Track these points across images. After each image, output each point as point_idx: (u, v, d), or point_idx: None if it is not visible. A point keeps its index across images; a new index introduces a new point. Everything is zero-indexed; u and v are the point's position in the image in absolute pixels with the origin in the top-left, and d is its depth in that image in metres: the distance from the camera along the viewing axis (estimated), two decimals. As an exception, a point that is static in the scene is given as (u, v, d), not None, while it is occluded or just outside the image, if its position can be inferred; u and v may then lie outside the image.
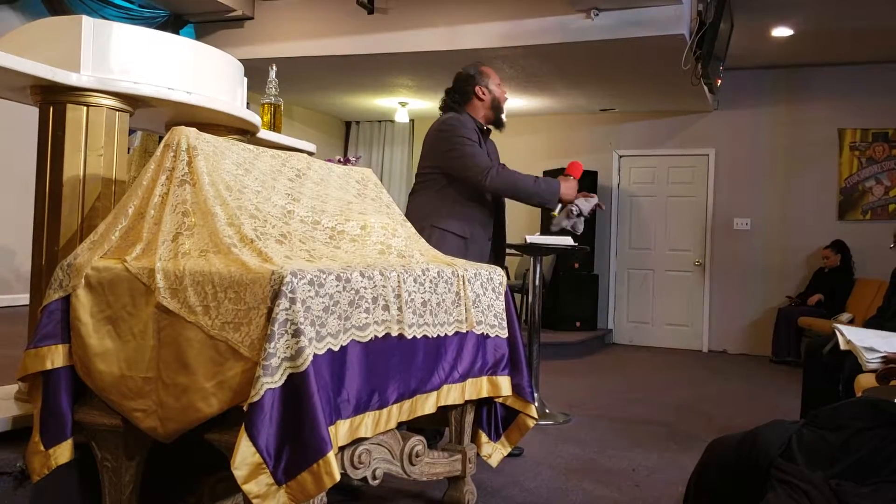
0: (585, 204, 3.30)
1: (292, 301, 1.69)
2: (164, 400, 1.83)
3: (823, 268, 7.28)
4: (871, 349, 3.10)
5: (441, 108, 3.44)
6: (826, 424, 1.31)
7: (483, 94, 3.34)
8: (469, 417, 2.57)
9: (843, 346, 3.12)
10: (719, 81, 6.44)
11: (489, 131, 3.45)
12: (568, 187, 3.26)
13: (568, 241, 4.46)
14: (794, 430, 1.31)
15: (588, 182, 8.15)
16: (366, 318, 1.93)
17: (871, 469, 1.22)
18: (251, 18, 6.59)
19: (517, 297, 7.22)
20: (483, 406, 2.62)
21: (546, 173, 8.30)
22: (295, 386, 1.66)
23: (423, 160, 3.37)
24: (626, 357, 7.31)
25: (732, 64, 6.85)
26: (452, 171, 3.22)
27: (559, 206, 3.27)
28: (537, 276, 4.45)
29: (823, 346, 3.57)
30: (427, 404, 2.20)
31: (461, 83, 3.39)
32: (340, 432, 1.82)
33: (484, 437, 2.62)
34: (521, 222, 8.44)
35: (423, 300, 2.18)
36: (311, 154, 3.06)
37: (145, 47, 2.31)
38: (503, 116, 3.42)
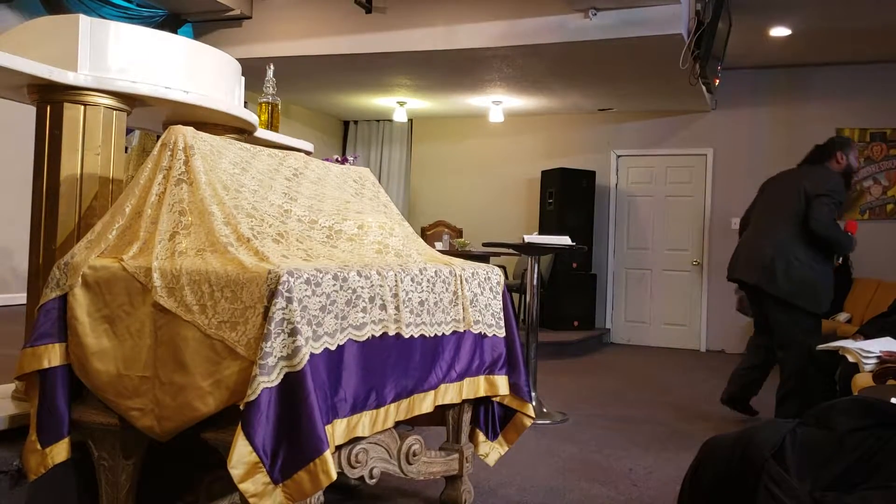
0: None
1: (289, 300, 1.69)
2: (161, 399, 1.83)
3: (821, 267, 7.27)
4: (867, 350, 3.16)
5: (810, 154, 4.29)
6: (820, 424, 1.31)
7: (840, 160, 4.16)
8: (466, 416, 2.57)
9: (850, 359, 3.21)
10: (717, 81, 6.44)
11: None
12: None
13: (565, 240, 4.48)
14: (788, 429, 1.31)
15: (585, 183, 8.15)
16: (363, 317, 1.93)
17: (863, 473, 1.22)
18: (249, 18, 6.58)
19: (515, 296, 7.22)
20: (480, 405, 2.62)
21: (544, 173, 8.30)
22: (291, 385, 1.66)
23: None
24: (623, 356, 7.31)
25: (730, 64, 6.86)
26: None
27: None
28: (535, 275, 4.46)
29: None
30: (425, 403, 2.20)
31: (830, 144, 4.24)
32: (337, 431, 1.82)
33: (481, 436, 2.62)
34: (520, 221, 8.45)
35: (420, 299, 2.18)
36: (308, 153, 3.06)
37: (143, 46, 2.31)
38: (852, 181, 4.33)
